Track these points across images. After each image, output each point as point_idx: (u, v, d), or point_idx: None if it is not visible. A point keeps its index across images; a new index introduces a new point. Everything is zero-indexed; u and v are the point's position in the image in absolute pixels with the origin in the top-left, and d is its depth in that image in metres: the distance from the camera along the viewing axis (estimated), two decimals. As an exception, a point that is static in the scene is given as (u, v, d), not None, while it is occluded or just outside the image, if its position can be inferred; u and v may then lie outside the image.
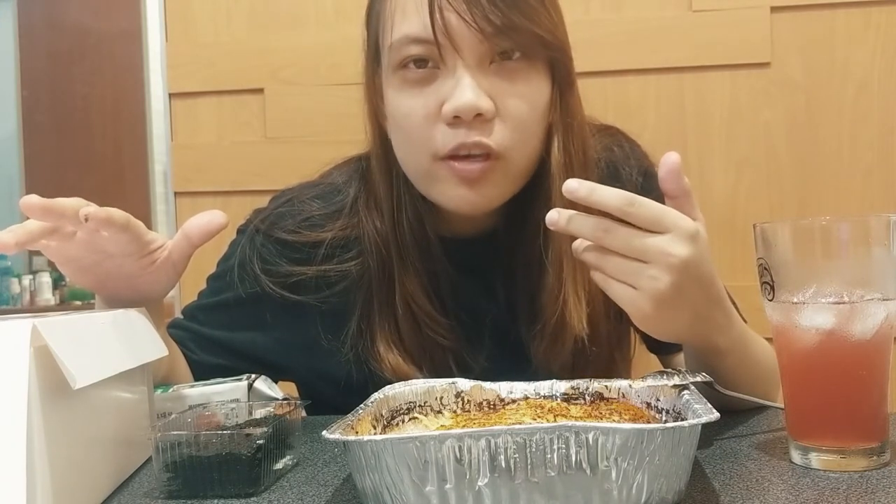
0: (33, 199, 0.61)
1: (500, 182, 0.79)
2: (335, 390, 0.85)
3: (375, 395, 0.63)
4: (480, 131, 0.76)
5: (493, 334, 0.87)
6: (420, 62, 0.77)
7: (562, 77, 0.81)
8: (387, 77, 0.80)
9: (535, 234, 0.83)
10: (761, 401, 0.72)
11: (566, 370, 0.83)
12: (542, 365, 0.84)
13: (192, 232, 0.74)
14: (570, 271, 0.81)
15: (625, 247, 0.62)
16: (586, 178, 0.63)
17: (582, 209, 0.63)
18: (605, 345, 0.87)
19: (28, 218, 0.64)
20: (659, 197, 0.65)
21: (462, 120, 0.75)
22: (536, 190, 0.82)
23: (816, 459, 0.58)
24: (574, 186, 0.62)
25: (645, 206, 0.61)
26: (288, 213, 0.91)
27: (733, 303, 0.74)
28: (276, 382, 0.82)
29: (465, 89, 0.74)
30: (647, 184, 0.89)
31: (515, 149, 0.78)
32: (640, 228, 0.62)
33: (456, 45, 0.75)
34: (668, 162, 0.65)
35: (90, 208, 0.64)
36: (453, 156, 0.77)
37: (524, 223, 0.84)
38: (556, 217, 0.63)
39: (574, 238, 0.65)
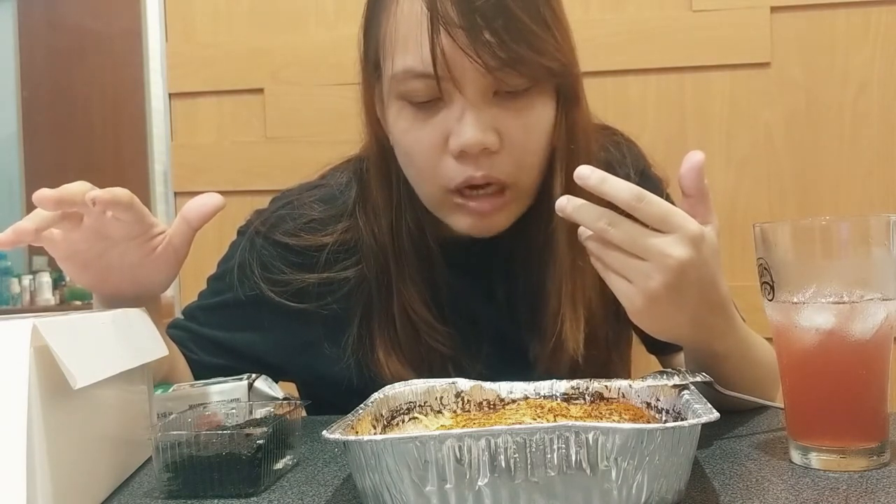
0: (45, 191, 0.64)
1: (511, 210, 0.80)
2: (335, 392, 0.85)
3: (375, 395, 0.63)
4: (489, 166, 0.76)
5: (493, 341, 0.87)
6: (423, 93, 0.76)
7: (567, 98, 0.80)
8: (389, 98, 0.79)
9: (536, 244, 0.83)
10: (761, 401, 0.72)
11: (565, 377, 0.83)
12: (543, 375, 0.84)
13: (191, 215, 0.75)
14: (568, 293, 0.82)
15: (627, 242, 0.62)
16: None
17: (589, 197, 0.63)
18: (603, 347, 0.87)
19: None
20: None
21: (468, 154, 0.75)
22: (540, 198, 0.82)
23: (816, 459, 0.58)
24: (586, 174, 0.62)
25: (653, 203, 0.61)
26: (288, 215, 0.90)
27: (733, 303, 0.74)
28: (276, 382, 0.82)
29: (470, 125, 0.74)
30: (644, 184, 0.88)
31: (522, 176, 0.78)
32: (644, 225, 0.62)
33: (459, 81, 0.74)
34: (691, 159, 0.65)
35: (95, 192, 0.66)
36: (463, 188, 0.77)
37: (526, 229, 0.84)
38: (564, 203, 0.63)
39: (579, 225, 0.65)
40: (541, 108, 0.78)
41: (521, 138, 0.77)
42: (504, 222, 0.81)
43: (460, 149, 0.74)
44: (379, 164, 0.85)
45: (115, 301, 0.75)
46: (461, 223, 0.80)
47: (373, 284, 0.85)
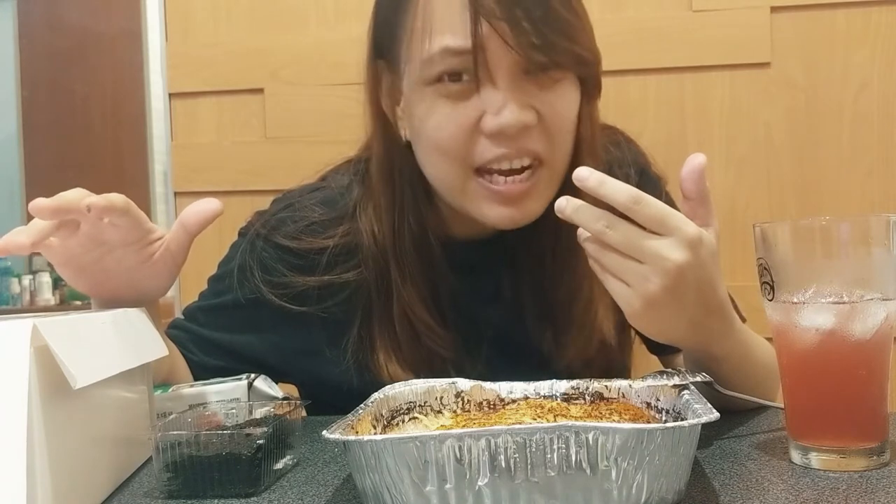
0: (41, 201, 0.64)
1: (542, 193, 0.79)
2: (335, 394, 0.85)
3: (375, 395, 0.63)
4: (525, 139, 0.76)
5: (493, 342, 0.87)
6: (455, 75, 0.76)
7: (590, 89, 0.81)
8: (414, 88, 0.79)
9: (548, 238, 0.83)
10: (761, 401, 0.72)
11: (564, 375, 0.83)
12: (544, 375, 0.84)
13: (189, 221, 0.75)
14: (598, 280, 0.82)
15: (624, 244, 0.62)
16: None
17: (590, 199, 0.63)
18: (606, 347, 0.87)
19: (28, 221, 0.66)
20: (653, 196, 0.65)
21: (506, 134, 0.75)
22: (561, 191, 0.81)
23: (816, 459, 0.58)
24: (584, 175, 0.63)
25: (651, 205, 0.61)
26: (289, 218, 0.90)
27: (733, 302, 0.74)
28: (276, 383, 0.82)
29: (510, 107, 0.74)
30: (644, 183, 0.88)
31: (556, 154, 0.78)
32: (643, 227, 0.62)
33: (496, 63, 0.74)
34: (692, 162, 0.66)
35: (91, 198, 0.66)
36: (492, 170, 0.77)
37: (536, 222, 0.83)
38: (563, 204, 0.63)
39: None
40: (570, 96, 0.79)
41: (552, 118, 0.77)
42: (536, 208, 0.80)
43: (499, 129, 0.74)
44: (383, 161, 0.85)
45: (112, 306, 0.75)
46: (489, 212, 0.79)
47: (373, 287, 0.85)
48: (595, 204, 0.63)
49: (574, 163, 0.81)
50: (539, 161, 0.77)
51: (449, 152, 0.78)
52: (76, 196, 0.66)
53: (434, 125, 0.78)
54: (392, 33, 0.81)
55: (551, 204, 0.81)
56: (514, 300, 0.88)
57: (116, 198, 0.67)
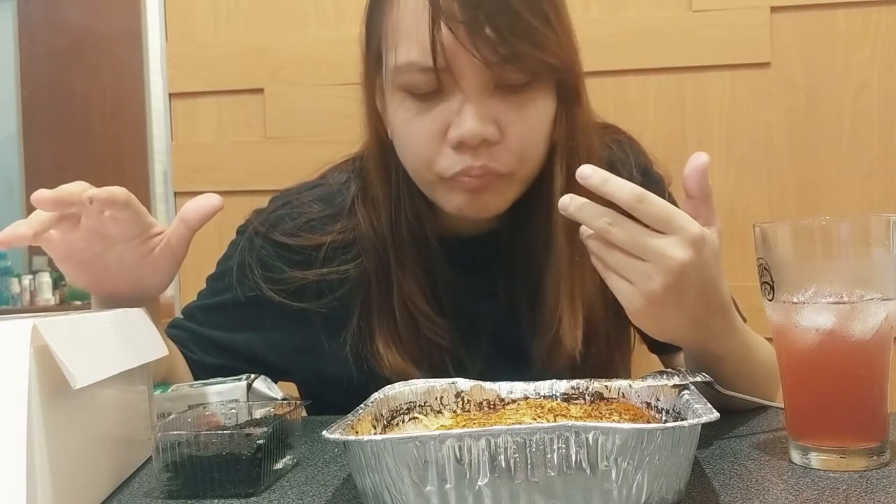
0: (43, 192, 0.65)
1: (504, 191, 0.79)
2: (335, 391, 0.85)
3: (375, 395, 0.63)
4: (487, 156, 0.75)
5: (492, 338, 0.87)
6: (421, 85, 0.76)
7: (568, 96, 0.80)
8: (389, 89, 0.80)
9: (537, 237, 0.83)
10: (761, 401, 0.72)
11: (565, 375, 0.83)
12: (542, 371, 0.84)
13: (190, 216, 0.75)
14: (567, 290, 0.82)
15: (627, 242, 0.62)
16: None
17: (592, 196, 0.63)
18: (604, 345, 0.87)
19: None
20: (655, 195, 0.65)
21: (467, 145, 0.75)
22: (540, 195, 0.82)
23: (816, 459, 0.58)
24: (588, 173, 0.62)
25: (654, 204, 0.61)
26: (287, 215, 0.91)
27: (734, 302, 0.74)
28: (275, 383, 0.82)
29: (470, 117, 0.74)
30: (645, 182, 0.88)
31: (520, 167, 0.78)
32: (646, 226, 0.62)
33: (459, 74, 0.74)
34: (695, 161, 0.65)
35: (92, 191, 0.66)
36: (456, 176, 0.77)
37: (526, 225, 0.84)
38: (567, 202, 0.63)
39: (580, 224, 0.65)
40: (541, 103, 0.78)
41: (520, 131, 0.76)
42: (496, 204, 0.80)
43: (459, 139, 0.74)
44: (378, 158, 0.85)
45: (112, 302, 0.75)
46: (453, 202, 0.79)
47: (372, 277, 0.86)
48: (598, 202, 0.63)
49: (546, 167, 0.81)
50: (501, 176, 0.77)
51: (417, 159, 0.79)
52: (78, 188, 0.66)
53: (405, 130, 0.79)
54: (376, 31, 0.81)
55: (538, 207, 0.82)
56: (508, 301, 0.88)
57: (118, 191, 0.68)
